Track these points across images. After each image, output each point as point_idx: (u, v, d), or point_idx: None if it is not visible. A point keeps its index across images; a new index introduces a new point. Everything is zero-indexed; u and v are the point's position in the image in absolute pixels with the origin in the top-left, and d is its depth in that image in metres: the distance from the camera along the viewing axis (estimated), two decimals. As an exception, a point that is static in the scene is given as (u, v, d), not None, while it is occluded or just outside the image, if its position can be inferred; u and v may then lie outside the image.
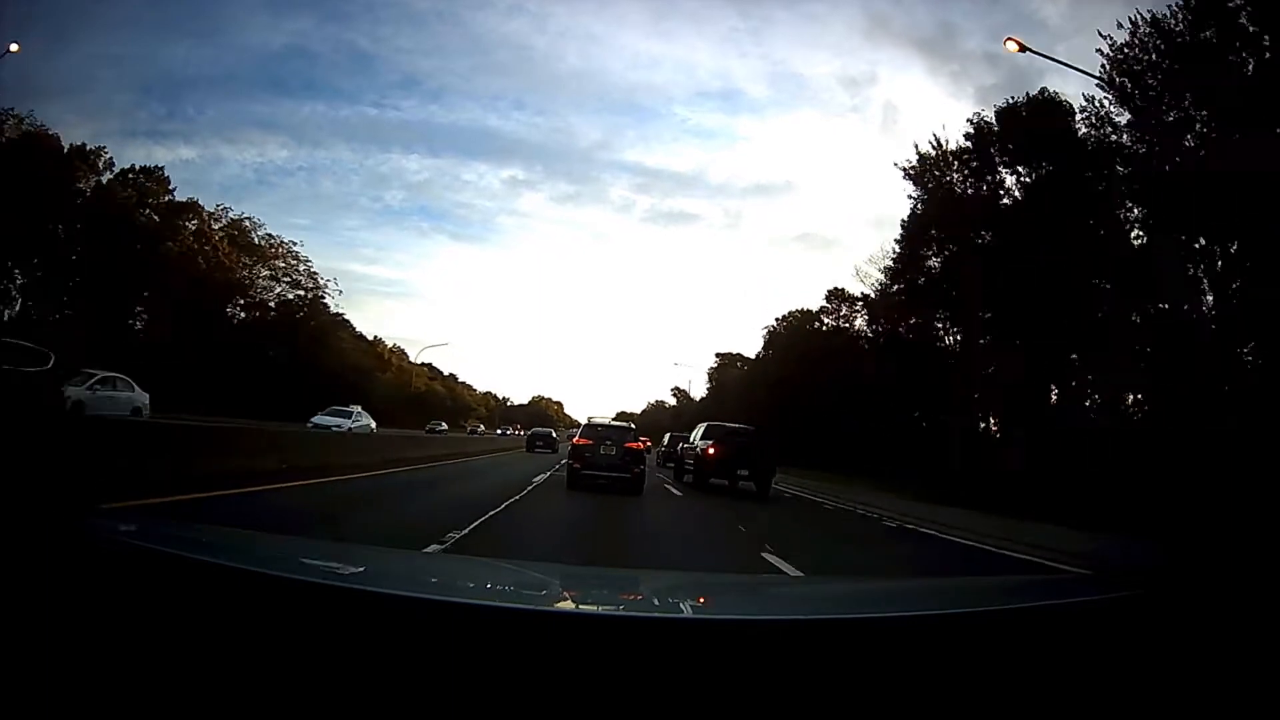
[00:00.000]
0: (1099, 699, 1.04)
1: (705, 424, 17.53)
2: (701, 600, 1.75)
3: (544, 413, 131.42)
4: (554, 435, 35.68)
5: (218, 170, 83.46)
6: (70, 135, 38.27)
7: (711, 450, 15.14)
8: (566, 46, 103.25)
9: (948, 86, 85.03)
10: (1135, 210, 21.12)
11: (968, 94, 78.13)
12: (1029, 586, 2.20)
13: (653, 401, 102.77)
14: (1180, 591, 1.40)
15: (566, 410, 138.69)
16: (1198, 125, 18.70)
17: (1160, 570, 1.96)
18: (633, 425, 15.81)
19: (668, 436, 29.85)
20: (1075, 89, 67.80)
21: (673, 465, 21.42)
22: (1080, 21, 64.89)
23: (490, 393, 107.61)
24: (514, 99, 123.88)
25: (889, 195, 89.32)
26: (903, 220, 29.97)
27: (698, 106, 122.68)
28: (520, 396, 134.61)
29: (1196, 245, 18.99)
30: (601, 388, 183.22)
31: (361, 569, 1.64)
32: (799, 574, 5.84)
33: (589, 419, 16.77)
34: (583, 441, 13.58)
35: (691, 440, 17.88)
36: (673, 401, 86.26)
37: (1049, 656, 1.09)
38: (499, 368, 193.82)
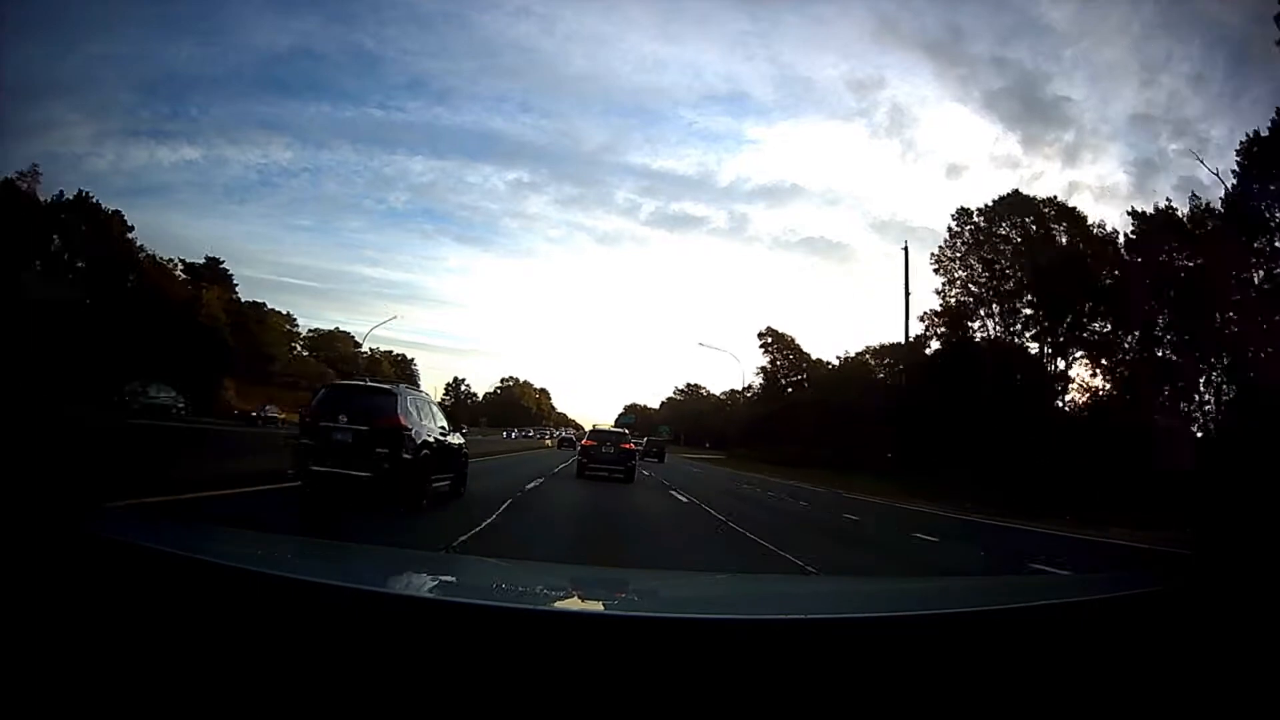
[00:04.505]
0: (1110, 698, 1.05)
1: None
2: (705, 600, 1.77)
3: (518, 402, 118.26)
4: (575, 437, 39.69)
5: (221, 171, 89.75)
6: (72, 134, 38.17)
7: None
8: (573, 49, 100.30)
9: (955, 90, 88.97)
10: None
11: (975, 98, 79.90)
12: (1038, 586, 2.19)
13: (682, 387, 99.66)
14: (1193, 591, 1.41)
15: (554, 401, 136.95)
16: None
17: (1172, 570, 1.95)
18: (626, 430, 22.06)
19: (646, 440, 42.10)
20: (1081, 92, 67.44)
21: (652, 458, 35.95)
22: (1086, 25, 69.44)
23: (392, 353, 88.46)
24: (520, 101, 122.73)
25: (896, 199, 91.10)
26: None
27: (704, 110, 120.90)
28: (494, 384, 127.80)
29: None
30: (606, 384, 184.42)
31: (361, 569, 1.63)
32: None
33: (594, 426, 20.81)
34: (589, 443, 18.39)
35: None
36: (730, 383, 76.86)
37: (1058, 655, 1.10)
38: (492, 365, 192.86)
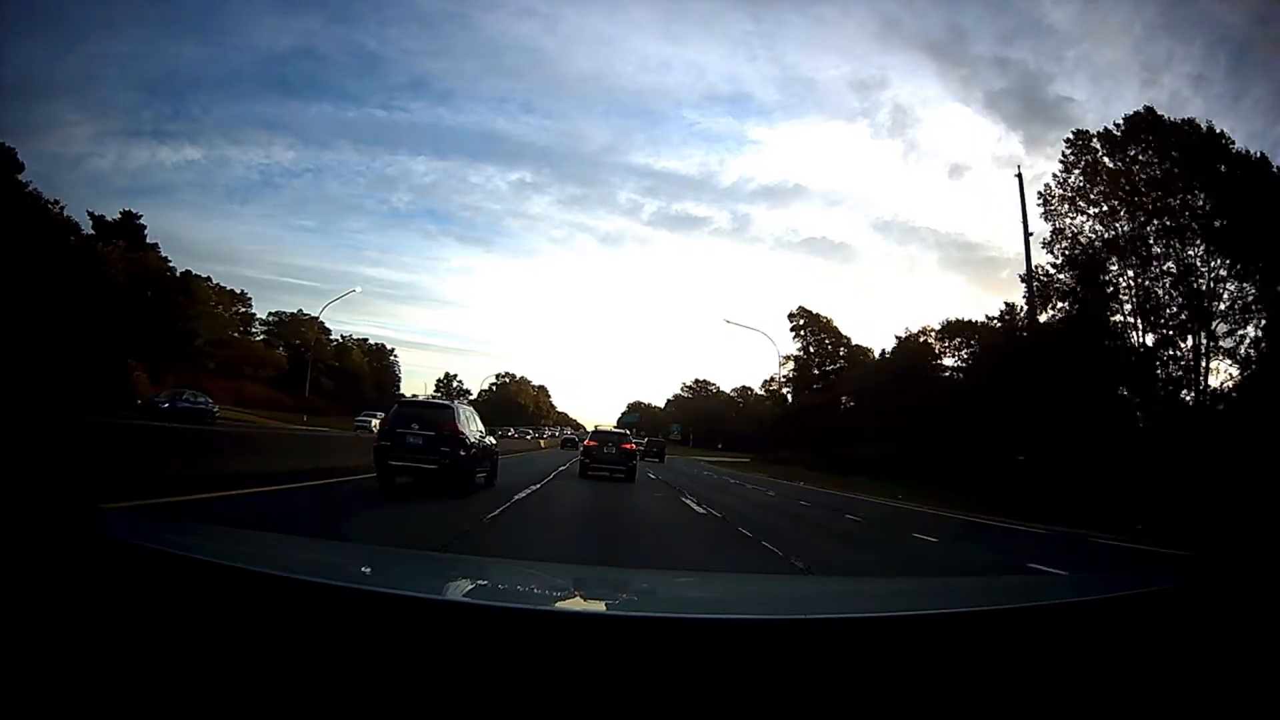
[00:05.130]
0: (1110, 699, 1.04)
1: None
2: (706, 599, 1.76)
3: (514, 400, 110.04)
4: (577, 438, 40.60)
5: (223, 171, 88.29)
6: (73, 134, 32.32)
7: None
8: (576, 49, 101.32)
9: (958, 91, 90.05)
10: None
11: (977, 98, 79.69)
12: (1038, 586, 2.14)
13: (690, 384, 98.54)
14: (1193, 592, 1.40)
15: (555, 400, 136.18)
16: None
17: (1169, 571, 1.88)
18: (628, 431, 23.77)
19: (646, 440, 44.48)
20: (1083, 92, 66.57)
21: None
22: (1088, 25, 66.10)
23: (366, 341, 77.11)
24: (523, 101, 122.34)
25: (898, 200, 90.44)
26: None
27: (707, 110, 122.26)
28: (489, 381, 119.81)
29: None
30: (609, 382, 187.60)
31: (363, 569, 1.64)
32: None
33: (596, 427, 21.59)
34: (592, 444, 19.08)
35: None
36: (740, 379, 75.90)
37: (1058, 655, 1.09)
38: (494, 365, 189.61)
